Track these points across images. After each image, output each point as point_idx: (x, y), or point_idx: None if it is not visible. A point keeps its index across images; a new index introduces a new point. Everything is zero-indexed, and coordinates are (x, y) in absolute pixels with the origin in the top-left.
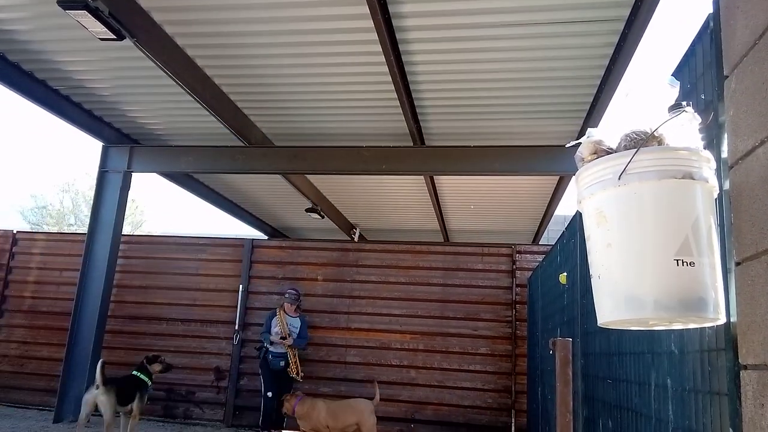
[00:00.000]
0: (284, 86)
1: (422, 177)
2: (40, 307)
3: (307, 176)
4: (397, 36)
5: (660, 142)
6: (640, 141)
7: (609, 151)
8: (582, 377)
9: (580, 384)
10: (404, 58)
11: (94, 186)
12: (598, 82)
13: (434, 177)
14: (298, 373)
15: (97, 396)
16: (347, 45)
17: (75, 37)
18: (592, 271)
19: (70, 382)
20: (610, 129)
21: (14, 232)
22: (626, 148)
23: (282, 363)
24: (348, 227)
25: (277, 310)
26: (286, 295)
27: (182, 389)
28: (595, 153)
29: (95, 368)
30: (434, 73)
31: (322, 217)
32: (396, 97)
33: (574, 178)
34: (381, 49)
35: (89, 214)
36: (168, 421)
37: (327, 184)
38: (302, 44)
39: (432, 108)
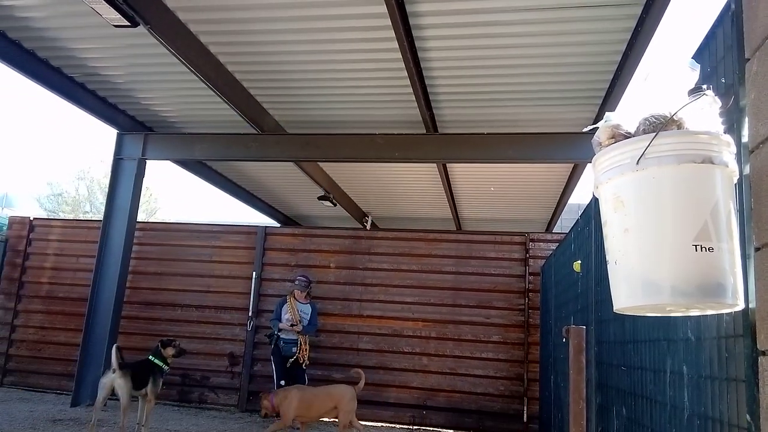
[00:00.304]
0: (297, 73)
1: (435, 165)
2: (57, 292)
3: (320, 164)
4: (411, 22)
5: (679, 126)
6: (659, 125)
7: (627, 136)
8: (596, 365)
9: (593, 371)
10: (417, 44)
11: (109, 173)
12: (615, 68)
13: (447, 165)
14: (304, 361)
15: (114, 380)
16: (360, 31)
17: (89, 23)
18: (608, 257)
19: (87, 366)
20: (628, 113)
21: (31, 219)
22: (645, 132)
23: (294, 349)
24: (360, 215)
25: (288, 297)
26: (296, 282)
27: (197, 374)
28: (612, 137)
29: (111, 353)
30: (448, 59)
31: (335, 205)
32: (409, 84)
33: (591, 163)
34: (394, 35)
35: (104, 201)
36: (183, 406)
37: (339, 171)
38: (315, 30)
39: (445, 95)
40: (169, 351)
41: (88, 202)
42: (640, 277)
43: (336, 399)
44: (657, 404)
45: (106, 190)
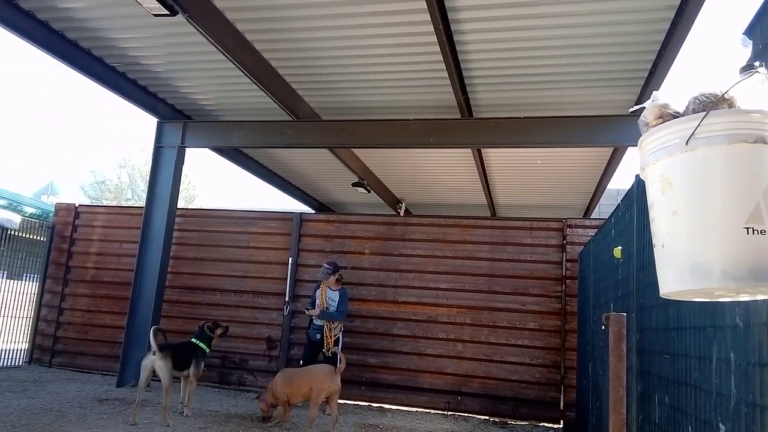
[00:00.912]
0: (331, 59)
1: (469, 150)
2: (102, 277)
3: (354, 150)
4: (446, 4)
5: (730, 105)
6: (709, 104)
7: (675, 115)
8: (637, 352)
9: (634, 359)
10: (453, 27)
11: (150, 161)
12: (658, 48)
13: (482, 150)
14: (329, 349)
15: (154, 361)
16: (395, 15)
17: (130, 13)
18: (655, 241)
19: (131, 348)
20: (676, 92)
21: (76, 206)
22: (694, 111)
23: (319, 336)
24: (394, 202)
25: (321, 283)
26: (321, 270)
27: (236, 357)
28: (660, 117)
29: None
30: (484, 41)
31: (369, 192)
32: (444, 68)
33: (633, 145)
34: (429, 18)
35: (145, 188)
36: (223, 388)
37: (373, 158)
38: (350, 15)
39: (481, 78)
40: (218, 332)
41: (130, 189)
42: (689, 261)
43: (311, 378)
44: (702, 392)
45: (147, 177)
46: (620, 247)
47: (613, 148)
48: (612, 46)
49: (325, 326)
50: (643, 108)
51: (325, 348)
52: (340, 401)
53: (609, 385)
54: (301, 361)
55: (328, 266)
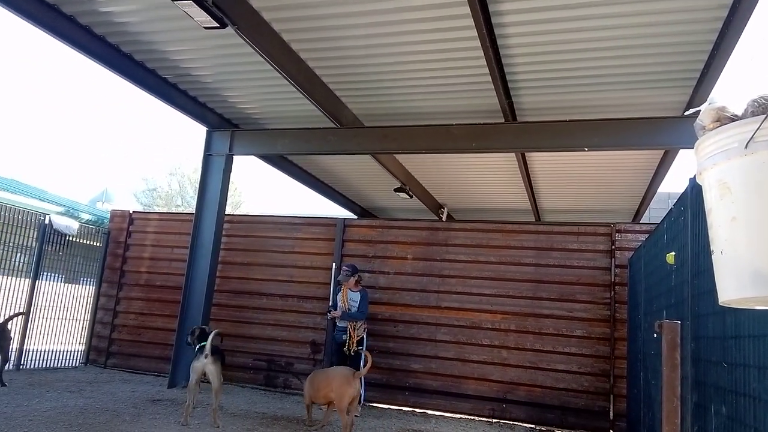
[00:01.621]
0: (374, 66)
1: (513, 155)
2: (154, 281)
3: (396, 156)
4: (490, 8)
5: None
6: None
7: (733, 119)
8: (692, 362)
9: (689, 369)
10: (497, 30)
11: (199, 169)
12: (710, 48)
13: (526, 154)
14: (349, 349)
15: (206, 365)
16: (438, 21)
17: (181, 27)
18: (713, 247)
19: (182, 350)
20: (734, 95)
21: (131, 212)
22: (753, 114)
23: (344, 337)
24: (436, 207)
25: (342, 286)
26: (341, 272)
27: (282, 361)
28: (717, 120)
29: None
30: (529, 44)
31: (411, 197)
32: (487, 71)
33: (686, 148)
34: (473, 23)
35: (194, 195)
36: (269, 390)
37: (415, 163)
38: (392, 23)
39: (525, 82)
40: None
41: (180, 196)
42: (749, 268)
43: (329, 381)
44: (761, 402)
45: (196, 184)
46: (673, 253)
47: (664, 151)
48: (662, 46)
49: (349, 326)
50: (699, 111)
51: (346, 347)
52: (383, 406)
53: (662, 395)
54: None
55: (347, 268)
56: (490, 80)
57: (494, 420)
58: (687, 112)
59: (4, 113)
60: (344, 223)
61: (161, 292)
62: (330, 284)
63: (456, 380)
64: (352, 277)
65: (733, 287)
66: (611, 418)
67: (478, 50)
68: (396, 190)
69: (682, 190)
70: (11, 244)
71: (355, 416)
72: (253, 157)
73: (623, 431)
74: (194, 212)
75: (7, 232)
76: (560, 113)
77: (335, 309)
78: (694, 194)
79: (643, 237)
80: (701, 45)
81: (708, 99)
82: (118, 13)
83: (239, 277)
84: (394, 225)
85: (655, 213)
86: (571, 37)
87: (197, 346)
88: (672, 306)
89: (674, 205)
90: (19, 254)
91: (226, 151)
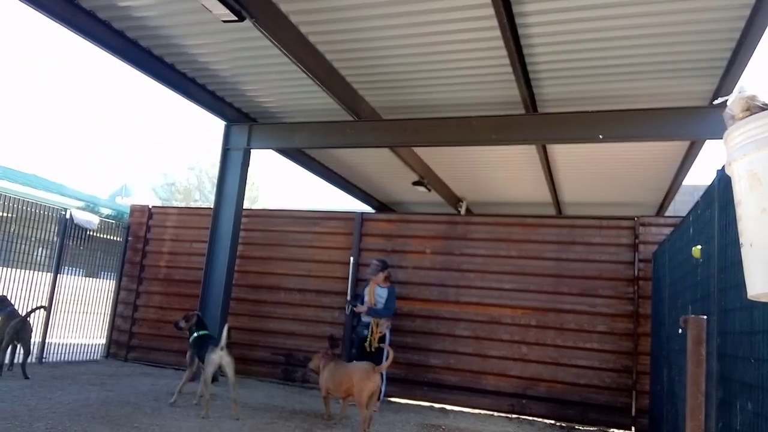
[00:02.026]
0: (392, 58)
1: (534, 147)
2: (173, 275)
3: (414, 149)
4: None
5: None
6: None
7: (764, 108)
8: (717, 357)
9: (715, 364)
10: (518, 20)
11: (217, 163)
12: (738, 35)
13: (547, 146)
14: (371, 345)
15: (222, 357)
16: (458, 11)
17: (200, 20)
18: (742, 240)
19: None
20: (763, 83)
21: (150, 207)
22: None
23: (366, 332)
24: (454, 201)
25: (369, 282)
26: (370, 266)
27: (300, 355)
28: (747, 110)
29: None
30: (550, 34)
31: (429, 191)
32: (508, 62)
33: (712, 138)
34: (493, 13)
35: (212, 190)
36: (288, 384)
37: (434, 156)
38: (411, 14)
39: (546, 72)
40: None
41: (198, 190)
42: None
43: (350, 375)
44: None
45: (214, 179)
46: (700, 247)
47: (689, 142)
48: (688, 34)
49: (372, 322)
50: (728, 100)
51: (367, 343)
52: (401, 401)
53: (687, 391)
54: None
55: (377, 263)
56: (511, 71)
57: (514, 416)
58: (716, 101)
59: (26, 110)
60: (362, 217)
61: (180, 286)
62: (348, 279)
63: (475, 375)
64: (381, 272)
65: (762, 280)
66: (633, 414)
67: (498, 40)
68: (414, 183)
69: (708, 183)
70: (33, 239)
71: (374, 411)
72: (270, 151)
73: (646, 428)
74: (213, 206)
75: (28, 227)
76: (583, 104)
77: (360, 303)
78: (721, 186)
79: (667, 230)
80: (728, 32)
81: (737, 88)
82: (136, 8)
83: (257, 271)
84: (412, 219)
85: (680, 206)
86: (594, 26)
87: (194, 334)
88: (698, 301)
89: (701, 198)
90: (40, 249)
91: (244, 145)
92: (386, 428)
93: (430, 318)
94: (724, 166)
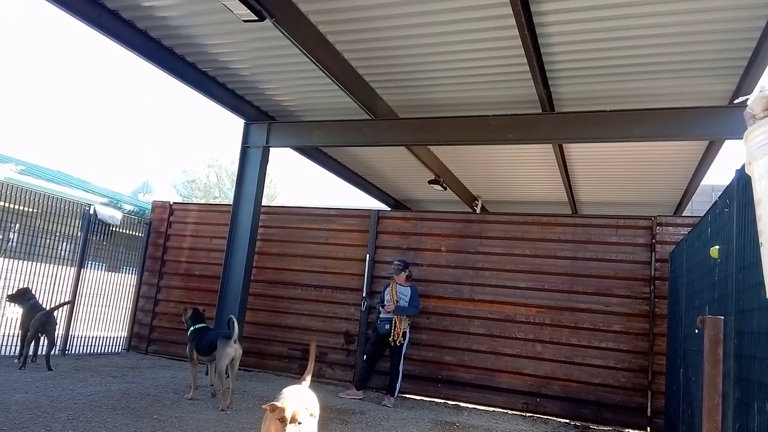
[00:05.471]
0: (410, 57)
1: (550, 146)
2: (193, 270)
3: (430, 148)
4: None
5: None
6: None
7: None
8: (735, 358)
9: (732, 365)
10: (536, 19)
11: (236, 161)
12: (758, 35)
13: (563, 145)
14: (395, 340)
15: (236, 350)
16: (475, 10)
17: (221, 20)
18: (761, 239)
19: None
20: None
21: (171, 203)
22: None
23: (387, 326)
24: (470, 199)
25: (390, 283)
26: (392, 267)
27: (316, 350)
28: None
29: (241, 326)
30: (568, 33)
31: (445, 189)
32: (525, 61)
33: (743, 137)
34: (511, 11)
35: (231, 187)
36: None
37: (450, 155)
38: (428, 13)
39: (564, 71)
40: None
41: (217, 187)
42: None
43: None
44: None
45: (233, 176)
46: (718, 247)
47: (708, 142)
48: (707, 33)
49: (395, 318)
50: (749, 99)
51: (391, 338)
52: (415, 397)
53: (703, 392)
54: (365, 356)
55: (398, 263)
56: (528, 70)
57: (527, 414)
58: (736, 101)
59: (51, 109)
60: (378, 214)
61: (200, 281)
62: (364, 276)
63: (489, 373)
64: (402, 272)
65: None
66: (649, 414)
67: (515, 39)
68: (430, 182)
69: (727, 183)
70: (58, 234)
71: (388, 407)
72: (288, 149)
73: (661, 428)
74: (232, 203)
75: (53, 222)
76: (601, 103)
77: (381, 302)
78: (741, 185)
79: (685, 230)
80: (748, 32)
81: (758, 87)
82: (159, 8)
83: (275, 267)
84: (427, 217)
85: (698, 206)
86: (612, 25)
87: (191, 328)
88: (715, 301)
89: (719, 197)
90: (65, 243)
91: (263, 143)
92: (400, 425)
93: (445, 315)
94: (743, 166)
